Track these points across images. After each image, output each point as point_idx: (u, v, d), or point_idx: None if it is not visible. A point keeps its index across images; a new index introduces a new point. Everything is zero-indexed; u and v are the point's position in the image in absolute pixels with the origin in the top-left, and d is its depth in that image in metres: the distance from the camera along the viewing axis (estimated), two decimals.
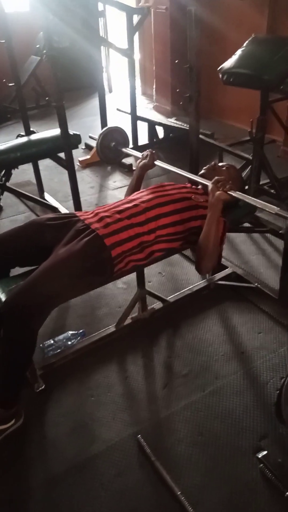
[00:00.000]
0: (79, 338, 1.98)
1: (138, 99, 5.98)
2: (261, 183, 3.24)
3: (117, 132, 2.34)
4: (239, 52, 2.87)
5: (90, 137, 4.34)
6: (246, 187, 2.98)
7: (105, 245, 1.58)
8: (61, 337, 1.97)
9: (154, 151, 2.05)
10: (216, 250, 1.70)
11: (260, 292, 2.21)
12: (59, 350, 1.93)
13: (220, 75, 2.88)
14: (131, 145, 4.06)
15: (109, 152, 2.34)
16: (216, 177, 1.72)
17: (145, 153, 2.04)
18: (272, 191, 3.09)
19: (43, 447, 1.60)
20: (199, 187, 1.93)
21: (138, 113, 4.20)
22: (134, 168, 3.88)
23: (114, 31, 6.42)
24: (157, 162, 2.02)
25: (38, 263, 1.59)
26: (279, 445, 1.53)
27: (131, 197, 1.81)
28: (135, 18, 3.73)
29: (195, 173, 2.06)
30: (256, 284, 2.24)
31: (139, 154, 2.11)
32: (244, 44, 2.91)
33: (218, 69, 2.89)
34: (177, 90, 4.68)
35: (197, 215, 1.77)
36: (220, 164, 1.96)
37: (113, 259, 1.59)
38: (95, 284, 1.67)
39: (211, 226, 1.66)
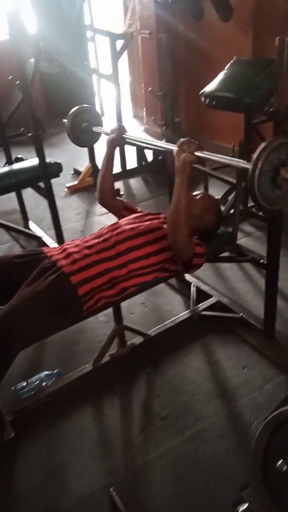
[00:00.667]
0: (53, 378, 1.89)
1: (129, 121, 6.02)
2: (249, 205, 3.18)
3: (88, 112, 2.18)
4: (221, 75, 2.84)
5: (75, 170, 4.31)
6: (232, 211, 2.92)
7: (71, 283, 1.50)
8: (34, 378, 1.88)
9: (122, 125, 1.92)
10: (188, 220, 1.54)
11: (245, 322, 2.11)
12: (32, 393, 1.83)
13: (203, 99, 2.85)
14: (118, 168, 4.04)
15: (81, 133, 2.20)
16: (180, 139, 1.56)
17: (113, 128, 1.92)
18: (259, 213, 3.02)
19: (10, 501, 1.49)
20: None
21: (129, 136, 4.16)
22: (122, 192, 3.84)
23: (104, 55, 6.48)
24: (126, 135, 1.89)
25: (2, 302, 1.51)
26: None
27: (101, 231, 1.73)
28: (120, 44, 3.74)
29: None
30: (241, 314, 2.14)
31: (108, 131, 2.00)
32: (226, 67, 2.88)
33: (200, 93, 2.86)
34: (152, 118, 4.65)
35: (169, 245, 1.69)
36: (194, 193, 1.89)
37: (80, 298, 1.51)
38: (61, 326, 1.58)
39: (180, 193, 1.52)
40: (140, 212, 1.91)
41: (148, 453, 1.59)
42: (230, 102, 2.68)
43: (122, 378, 1.91)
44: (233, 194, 2.98)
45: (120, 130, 1.88)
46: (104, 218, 3.38)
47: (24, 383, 1.86)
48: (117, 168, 4.02)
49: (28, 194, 3.40)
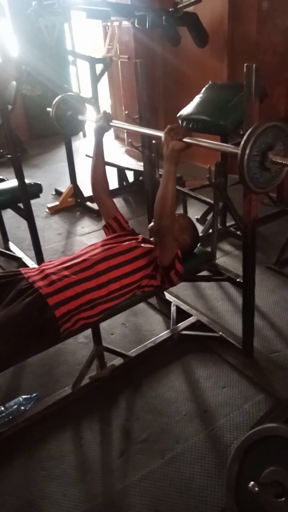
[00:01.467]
0: (32, 402, 1.85)
1: (111, 143, 6.09)
2: (228, 224, 3.23)
3: (72, 99, 2.22)
4: (197, 98, 2.92)
5: (56, 191, 4.35)
6: (210, 231, 2.96)
7: (47, 305, 1.49)
8: (12, 403, 1.84)
9: (108, 112, 1.94)
10: (174, 207, 1.56)
11: (224, 341, 2.12)
12: (10, 417, 1.80)
13: (180, 122, 2.91)
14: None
15: (67, 123, 2.22)
16: (168, 126, 1.57)
17: (99, 115, 1.94)
18: (238, 232, 3.07)
19: None
20: (152, 239, 1.87)
21: (110, 158, 4.22)
22: None
23: (86, 79, 6.60)
24: (113, 123, 1.91)
25: None
26: None
27: (79, 252, 1.74)
28: (100, 67, 3.82)
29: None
30: (220, 333, 2.15)
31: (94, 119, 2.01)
32: (202, 91, 2.96)
33: (177, 115, 2.93)
34: (129, 140, 4.73)
35: (147, 262, 1.70)
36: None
37: (57, 320, 1.50)
38: (37, 350, 1.57)
39: (168, 181, 1.53)
40: (125, 229, 1.92)
41: (127, 477, 1.57)
42: (206, 125, 2.75)
43: (102, 401, 1.89)
44: (211, 214, 3.03)
45: (106, 117, 1.90)
46: (85, 238, 3.39)
47: (2, 408, 1.82)
48: None
49: (9, 214, 3.39)
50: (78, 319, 1.58)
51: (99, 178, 1.92)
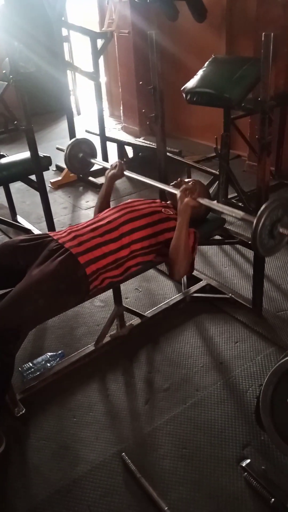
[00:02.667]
0: (58, 359, 1.97)
1: (106, 120, 6.08)
2: (229, 196, 3.34)
3: (85, 143, 2.37)
4: (200, 72, 2.99)
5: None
6: (215, 202, 3.07)
7: (79, 263, 1.59)
8: (39, 359, 1.95)
9: (123, 161, 2.08)
10: (188, 255, 1.73)
11: (234, 302, 2.26)
12: (38, 373, 1.91)
13: (184, 95, 2.98)
14: (96, 167, 4.12)
15: (77, 162, 2.36)
16: (183, 186, 1.79)
17: (114, 163, 2.07)
18: (240, 204, 3.18)
19: (26, 474, 1.56)
20: (168, 202, 1.97)
21: (107, 134, 4.27)
22: None
23: (79, 55, 6.55)
24: (126, 172, 2.05)
25: (12, 285, 1.58)
26: (262, 453, 1.55)
27: (103, 214, 1.83)
28: (99, 42, 3.83)
29: (165, 192, 2.11)
30: (230, 294, 2.28)
31: (107, 165, 2.14)
32: (205, 65, 3.02)
33: (182, 89, 3.00)
34: (143, 111, 4.79)
35: (168, 227, 1.80)
36: (186, 180, 2.02)
37: (88, 277, 1.61)
38: (71, 303, 1.67)
39: (181, 231, 1.70)
40: None
41: (154, 421, 1.70)
42: (210, 98, 2.83)
43: (123, 357, 2.01)
44: (215, 185, 3.14)
45: (121, 166, 2.04)
46: (90, 212, 3.47)
47: (30, 364, 1.93)
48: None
49: (13, 189, 3.45)
50: (105, 278, 1.69)
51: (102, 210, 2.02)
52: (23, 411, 1.73)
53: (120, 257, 1.70)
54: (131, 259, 1.74)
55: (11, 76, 2.42)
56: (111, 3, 4.13)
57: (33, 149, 2.47)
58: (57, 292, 1.53)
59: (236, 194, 3.17)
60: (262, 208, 1.40)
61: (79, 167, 2.40)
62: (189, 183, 2.00)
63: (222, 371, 1.90)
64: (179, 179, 2.03)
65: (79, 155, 2.35)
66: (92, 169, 2.52)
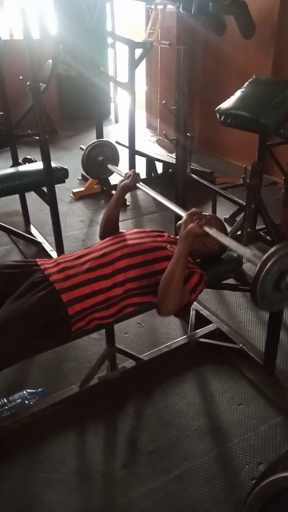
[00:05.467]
0: (36, 398, 1.77)
1: (142, 131, 5.95)
2: (258, 227, 3.07)
3: (108, 147, 2.18)
4: (238, 92, 2.76)
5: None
6: (239, 233, 2.82)
7: (61, 301, 1.40)
8: (16, 396, 1.76)
9: (138, 172, 1.87)
10: (180, 291, 1.47)
11: (244, 354, 2.00)
12: (13, 411, 1.72)
13: (218, 116, 2.76)
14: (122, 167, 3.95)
15: (95, 165, 2.17)
16: (193, 209, 1.53)
17: (128, 173, 1.86)
18: (267, 237, 2.91)
19: None
20: (178, 237, 1.75)
21: (141, 146, 4.10)
22: (128, 203, 3.74)
23: (124, 63, 6.44)
24: (139, 185, 1.84)
25: None
26: None
27: (100, 244, 1.63)
28: (138, 52, 3.67)
29: (180, 218, 1.89)
30: (240, 345, 2.03)
31: (124, 173, 1.94)
32: (244, 85, 2.79)
33: (216, 109, 2.78)
34: (164, 132, 4.61)
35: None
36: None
37: (70, 318, 1.41)
38: (45, 348, 1.49)
39: (177, 262, 1.45)
40: None
41: (129, 491, 1.47)
42: (245, 121, 2.60)
43: (109, 405, 1.79)
44: (242, 215, 2.89)
45: (135, 177, 1.82)
46: None
47: (5, 400, 1.75)
48: None
49: (34, 196, 3.30)
50: (92, 319, 1.48)
51: (110, 224, 1.84)
52: None
53: (111, 296, 1.50)
54: (126, 299, 1.53)
55: (28, 83, 2.25)
56: (154, 12, 3.96)
57: (47, 161, 2.31)
58: (28, 335, 1.34)
59: (264, 226, 2.90)
60: (271, 250, 1.15)
61: (96, 170, 2.19)
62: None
63: (218, 439, 1.65)
64: (193, 209, 1.80)
65: (99, 158, 2.15)
66: (115, 183, 2.32)
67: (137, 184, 1.82)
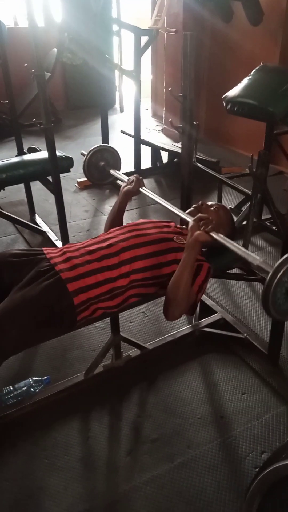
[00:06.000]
0: (42, 386, 1.79)
1: (148, 120, 5.91)
2: (263, 217, 3.05)
3: (109, 152, 2.18)
4: (245, 80, 2.72)
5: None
6: (244, 223, 2.80)
7: (67, 291, 1.40)
8: (22, 383, 1.78)
9: (141, 177, 1.87)
10: (187, 297, 1.46)
11: (249, 344, 2.00)
12: (18, 399, 1.74)
13: (224, 104, 2.73)
14: (131, 167, 3.92)
15: (96, 171, 2.18)
16: (199, 214, 1.51)
17: (131, 178, 1.86)
18: (273, 227, 2.90)
19: None
20: (184, 227, 1.74)
21: (146, 135, 4.07)
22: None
23: (129, 51, 6.37)
24: (142, 190, 1.84)
25: None
26: None
27: (106, 235, 1.62)
28: (144, 40, 3.62)
29: (186, 207, 1.88)
30: (245, 335, 2.02)
31: (126, 178, 1.94)
32: (252, 72, 2.76)
33: (223, 97, 2.75)
34: (170, 120, 4.56)
35: (177, 259, 1.55)
36: (209, 203, 1.78)
37: (75, 307, 1.41)
38: (49, 336, 1.49)
39: (184, 270, 1.44)
40: None
41: (132, 478, 1.49)
42: (252, 110, 2.57)
43: (114, 393, 1.80)
44: (247, 205, 2.87)
45: (138, 182, 1.81)
46: None
47: (11, 388, 1.76)
48: (130, 167, 3.91)
49: (38, 185, 3.30)
50: (97, 308, 1.48)
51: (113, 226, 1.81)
52: None
53: (116, 286, 1.49)
54: (130, 290, 1.53)
55: (32, 70, 2.23)
56: None
57: (51, 150, 2.30)
58: (33, 324, 1.34)
59: (270, 216, 2.89)
60: (283, 258, 1.14)
61: (97, 176, 2.21)
62: (212, 208, 1.76)
63: (222, 427, 1.66)
64: (200, 202, 1.78)
65: (100, 163, 2.16)
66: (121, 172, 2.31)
67: (140, 189, 1.82)
